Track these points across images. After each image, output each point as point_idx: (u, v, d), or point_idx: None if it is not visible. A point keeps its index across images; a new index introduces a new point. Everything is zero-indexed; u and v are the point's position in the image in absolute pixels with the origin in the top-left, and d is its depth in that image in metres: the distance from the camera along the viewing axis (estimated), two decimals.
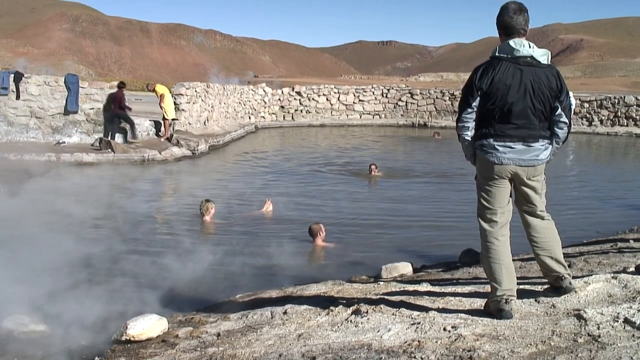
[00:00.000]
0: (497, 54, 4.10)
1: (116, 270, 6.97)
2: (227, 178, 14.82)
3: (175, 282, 6.57)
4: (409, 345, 3.59)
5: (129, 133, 18.43)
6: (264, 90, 33.20)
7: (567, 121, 4.13)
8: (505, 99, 4.02)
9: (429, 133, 29.61)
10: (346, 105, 35.47)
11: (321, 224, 8.50)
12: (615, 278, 4.52)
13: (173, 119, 19.93)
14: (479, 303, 4.31)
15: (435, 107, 35.54)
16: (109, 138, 17.56)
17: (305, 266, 7.53)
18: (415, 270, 6.57)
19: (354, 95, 35.63)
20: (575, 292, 4.28)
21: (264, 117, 32.99)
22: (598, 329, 3.63)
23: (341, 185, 13.50)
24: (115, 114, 18.01)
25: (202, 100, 22.95)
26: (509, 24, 4.05)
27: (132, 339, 4.42)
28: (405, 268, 6.44)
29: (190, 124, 21.40)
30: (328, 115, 35.08)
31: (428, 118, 34.46)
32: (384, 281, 5.84)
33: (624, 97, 32.12)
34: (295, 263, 7.52)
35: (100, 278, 6.62)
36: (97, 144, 17.17)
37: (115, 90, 18.42)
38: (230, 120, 27.70)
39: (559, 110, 4.11)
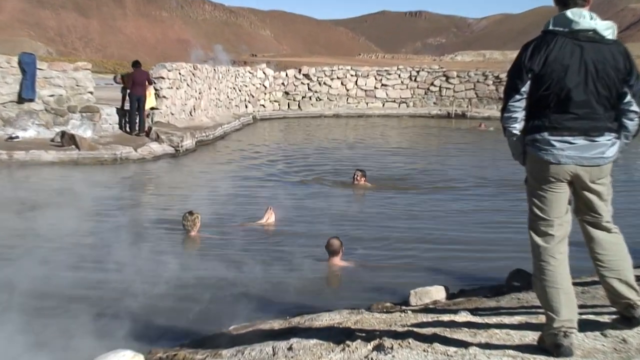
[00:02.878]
0: (551, 27, 4.09)
1: (79, 296, 7.00)
2: (218, 182, 14.88)
3: (155, 310, 6.63)
4: None
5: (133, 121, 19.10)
6: (264, 73, 33.36)
7: (638, 110, 4.11)
8: (562, 82, 4.00)
9: (469, 124, 29.63)
10: (366, 91, 35.58)
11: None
12: None
13: (152, 108, 20.05)
14: (531, 337, 4.30)
15: (476, 94, 35.56)
16: (138, 128, 18.99)
17: (316, 290, 7.60)
18: (451, 296, 6.55)
19: (376, 79, 35.74)
20: None
21: (263, 105, 33.15)
22: None
23: (358, 195, 13.53)
24: (136, 94, 18.98)
25: (188, 85, 23.11)
26: None
27: None
28: (438, 293, 6.44)
29: (172, 114, 21.56)
30: (343, 103, 35.18)
31: (467, 107, 34.50)
32: (412, 309, 5.84)
33: None
34: (302, 286, 7.61)
35: (59, 306, 6.65)
36: (59, 139, 17.31)
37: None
38: (222, 110, 27.84)
39: (628, 97, 4.08)
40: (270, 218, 10.53)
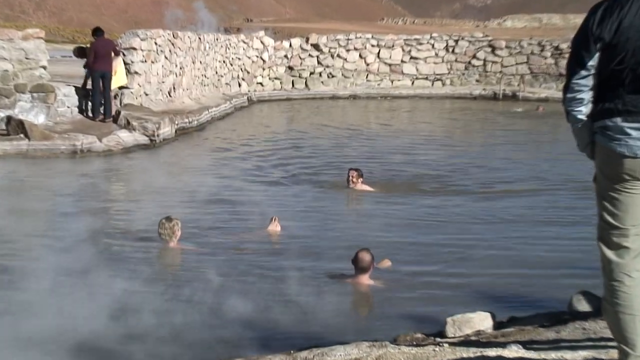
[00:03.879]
0: None
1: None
2: (204, 180, 14.93)
3: (127, 340, 6.65)
4: None
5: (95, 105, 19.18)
6: (262, 43, 33.40)
7: None
8: (639, 54, 3.98)
9: (521, 108, 29.54)
10: (390, 65, 35.61)
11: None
12: None
13: (120, 88, 20.08)
14: None
15: (530, 69, 35.53)
16: (104, 113, 19.00)
17: (331, 316, 7.64)
18: (498, 325, 6.53)
19: (403, 50, 35.78)
20: None
21: (261, 84, 33.22)
22: None
23: (381, 202, 13.49)
24: (99, 70, 18.89)
25: (166, 57, 23.18)
26: None
27: None
28: (482, 321, 6.41)
29: (147, 94, 21.62)
30: (362, 80, 35.21)
31: (519, 85, 34.43)
32: (449, 342, 5.83)
33: None
34: (315, 311, 7.67)
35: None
36: (4, 127, 17.39)
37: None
38: (209, 90, 27.91)
39: None
40: (275, 228, 10.70)
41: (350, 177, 14.05)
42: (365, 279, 8.50)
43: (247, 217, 11.55)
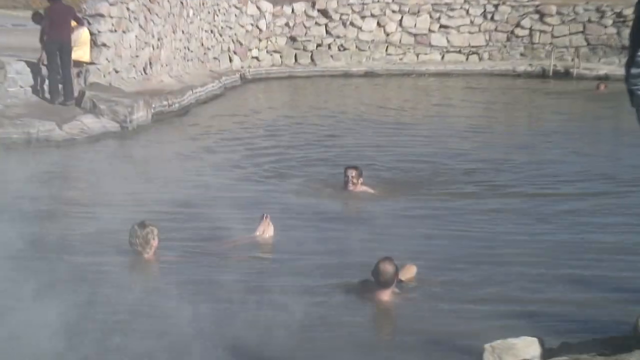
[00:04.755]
0: None
1: None
2: (185, 176, 15.05)
3: None
4: None
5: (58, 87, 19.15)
6: (258, 8, 33.41)
7: None
8: None
9: (576, 87, 29.44)
10: (416, 35, 35.61)
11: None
12: None
13: (86, 63, 20.04)
14: None
15: (586, 40, 35.40)
16: (64, 94, 18.93)
17: (341, 345, 7.62)
18: (547, 353, 6.55)
19: (431, 17, 35.80)
20: None
21: (257, 58, 33.22)
22: None
23: (395, 208, 13.42)
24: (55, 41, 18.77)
25: (141, 26, 23.20)
26: None
27: None
28: (528, 348, 6.41)
29: (117, 71, 21.66)
30: (380, 54, 35.20)
31: (573, 60, 34.31)
32: None
33: None
34: (320, 338, 7.67)
35: None
36: None
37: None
38: (193, 65, 27.93)
39: None
40: (267, 231, 10.60)
41: (350, 178, 13.76)
42: (387, 295, 8.54)
43: (232, 224, 11.51)
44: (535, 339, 6.53)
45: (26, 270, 8.98)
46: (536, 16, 35.79)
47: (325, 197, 13.84)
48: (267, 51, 33.63)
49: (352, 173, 13.76)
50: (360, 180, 13.82)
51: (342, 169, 14.37)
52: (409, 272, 9.20)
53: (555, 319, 8.17)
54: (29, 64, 19.29)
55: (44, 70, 19.31)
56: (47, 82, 19.33)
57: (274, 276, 9.46)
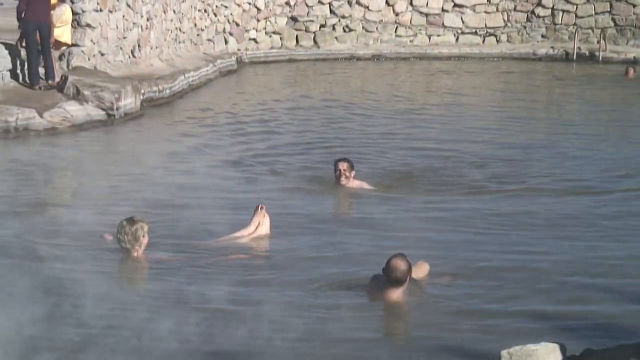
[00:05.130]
0: None
1: None
2: (176, 168, 15.17)
3: None
4: None
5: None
6: None
7: None
8: None
9: (603, 72, 29.31)
10: (427, 15, 35.66)
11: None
12: None
13: (67, 45, 19.98)
14: None
15: (613, 20, 35.40)
16: (46, 78, 19.15)
17: (350, 348, 7.69)
18: None
19: None
20: None
21: (255, 40, 33.18)
22: None
23: (398, 204, 13.49)
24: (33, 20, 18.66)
25: (129, 5, 23.24)
26: None
27: None
28: (549, 355, 6.46)
29: (103, 54, 21.68)
30: (389, 36, 35.22)
31: (599, 42, 34.25)
32: None
33: None
34: (326, 340, 7.74)
35: None
36: None
37: None
38: (186, 48, 27.96)
39: None
40: (262, 223, 10.63)
41: (341, 172, 13.68)
42: (398, 294, 8.58)
43: (224, 219, 11.70)
44: (556, 345, 6.57)
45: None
46: None
47: (317, 193, 13.95)
48: (265, 32, 33.64)
49: (343, 166, 13.74)
50: (353, 173, 13.80)
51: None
52: (422, 271, 9.23)
53: (578, 323, 8.23)
54: (6, 46, 19.28)
55: (23, 53, 19.27)
56: (26, 65, 19.25)
57: (275, 271, 9.71)
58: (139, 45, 24.01)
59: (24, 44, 19.19)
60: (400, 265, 8.49)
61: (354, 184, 13.85)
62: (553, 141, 18.47)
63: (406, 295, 8.63)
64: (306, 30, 34.22)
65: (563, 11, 35.63)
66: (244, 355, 7.58)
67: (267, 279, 9.49)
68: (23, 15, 18.76)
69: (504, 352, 6.48)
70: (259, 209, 10.86)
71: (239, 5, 32.24)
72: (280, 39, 33.84)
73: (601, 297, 9.12)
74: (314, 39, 34.16)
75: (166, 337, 7.71)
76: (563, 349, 6.61)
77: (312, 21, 34.26)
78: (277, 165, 15.89)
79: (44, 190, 13.98)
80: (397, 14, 35.24)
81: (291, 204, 13.24)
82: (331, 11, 34.55)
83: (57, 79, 19.23)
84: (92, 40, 21.07)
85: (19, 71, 19.46)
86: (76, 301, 8.53)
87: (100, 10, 21.36)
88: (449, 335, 7.96)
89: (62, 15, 19.48)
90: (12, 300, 8.27)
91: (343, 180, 13.68)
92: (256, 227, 10.71)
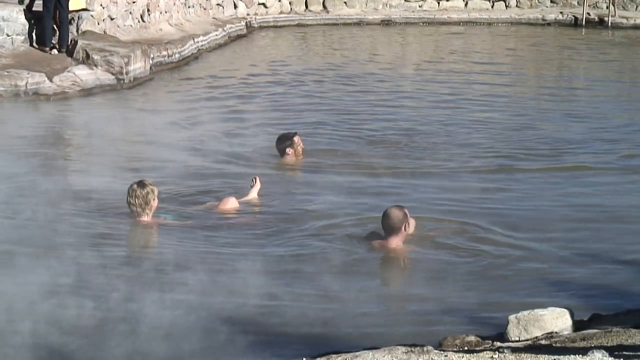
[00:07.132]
0: None
1: None
2: (186, 134, 15.10)
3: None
4: None
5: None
6: None
7: None
8: None
9: (612, 37, 29.18)
10: None
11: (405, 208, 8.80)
12: None
13: (78, 10, 19.91)
14: None
15: None
16: (59, 42, 18.84)
17: (353, 306, 7.68)
18: (577, 326, 6.55)
19: None
20: None
21: (264, 5, 32.92)
22: None
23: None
24: None
25: None
26: None
27: None
28: (556, 320, 6.42)
29: (112, 18, 21.55)
30: (398, 1, 34.89)
31: (608, 7, 34.06)
32: (513, 347, 5.85)
33: None
34: (332, 299, 7.74)
35: None
36: None
37: None
38: (195, 13, 27.72)
39: None
40: (255, 188, 10.99)
41: (295, 145, 13.11)
42: (397, 242, 8.70)
43: (230, 183, 11.76)
44: (564, 310, 6.51)
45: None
46: None
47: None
48: None
49: (296, 140, 13.17)
50: (298, 146, 13.23)
51: (348, 133, 14.96)
52: (411, 226, 9.19)
53: (586, 288, 8.15)
54: (16, 10, 19.19)
55: (35, 16, 19.20)
56: (36, 28, 19.17)
57: (273, 233, 9.62)
58: (148, 10, 23.82)
59: (35, 7, 19.12)
60: (396, 214, 8.62)
61: (293, 159, 13.33)
62: (559, 111, 18.22)
63: (404, 245, 8.63)
64: None
65: None
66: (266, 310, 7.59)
67: (264, 243, 9.38)
68: None
69: (511, 317, 6.45)
70: (255, 180, 10.96)
71: None
72: (290, 3, 33.56)
73: (610, 263, 9.02)
74: (323, 3, 33.87)
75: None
76: (571, 314, 6.59)
77: None
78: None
79: (56, 154, 13.94)
80: None
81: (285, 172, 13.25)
82: None
83: (67, 44, 19.10)
84: (101, 5, 20.94)
85: (27, 35, 19.29)
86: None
87: None
88: (452, 299, 7.88)
89: None
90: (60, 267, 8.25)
91: (287, 155, 13.13)
92: (252, 193, 10.79)
